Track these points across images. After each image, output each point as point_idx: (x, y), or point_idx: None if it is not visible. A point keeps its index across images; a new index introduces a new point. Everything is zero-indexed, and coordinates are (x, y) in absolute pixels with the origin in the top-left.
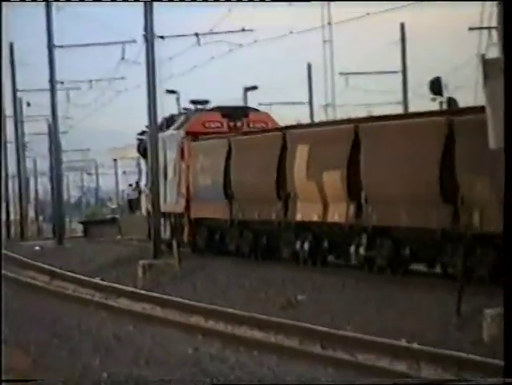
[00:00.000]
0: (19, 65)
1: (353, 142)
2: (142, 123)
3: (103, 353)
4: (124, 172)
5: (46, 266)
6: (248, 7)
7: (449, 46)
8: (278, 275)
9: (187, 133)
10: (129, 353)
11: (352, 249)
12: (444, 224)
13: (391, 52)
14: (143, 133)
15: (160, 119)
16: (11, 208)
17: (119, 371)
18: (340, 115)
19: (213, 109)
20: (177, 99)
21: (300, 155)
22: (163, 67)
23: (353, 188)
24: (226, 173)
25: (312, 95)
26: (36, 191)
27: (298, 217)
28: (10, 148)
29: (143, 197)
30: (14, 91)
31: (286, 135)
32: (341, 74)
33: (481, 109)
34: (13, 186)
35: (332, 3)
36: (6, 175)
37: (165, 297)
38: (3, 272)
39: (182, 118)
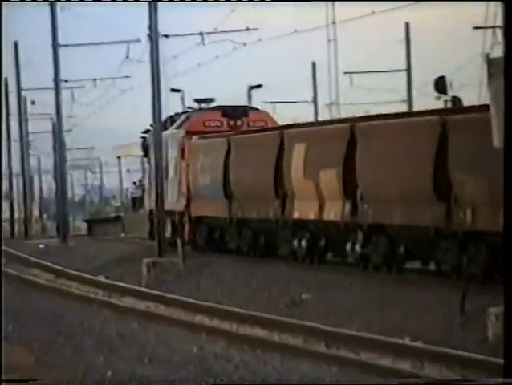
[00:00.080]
0: (24, 64)
1: (349, 141)
2: (146, 121)
3: (107, 351)
4: (128, 170)
5: (49, 264)
6: (252, 7)
7: (453, 45)
8: (283, 274)
9: (187, 132)
10: (133, 351)
11: (348, 246)
12: (438, 223)
13: (395, 51)
14: (147, 131)
15: (164, 118)
16: (15, 207)
17: (123, 370)
18: (345, 113)
19: (213, 108)
20: (182, 98)
21: (297, 153)
22: (167, 66)
23: (349, 186)
24: (225, 172)
25: (316, 93)
26: (40, 189)
27: (296, 215)
28: (15, 146)
29: (146, 195)
30: (19, 89)
31: (283, 134)
32: (345, 73)
33: (475, 108)
34: (17, 184)
35: (337, 3)
36: (10, 173)
37: (169, 295)
38: (7, 270)
39: (183, 117)
